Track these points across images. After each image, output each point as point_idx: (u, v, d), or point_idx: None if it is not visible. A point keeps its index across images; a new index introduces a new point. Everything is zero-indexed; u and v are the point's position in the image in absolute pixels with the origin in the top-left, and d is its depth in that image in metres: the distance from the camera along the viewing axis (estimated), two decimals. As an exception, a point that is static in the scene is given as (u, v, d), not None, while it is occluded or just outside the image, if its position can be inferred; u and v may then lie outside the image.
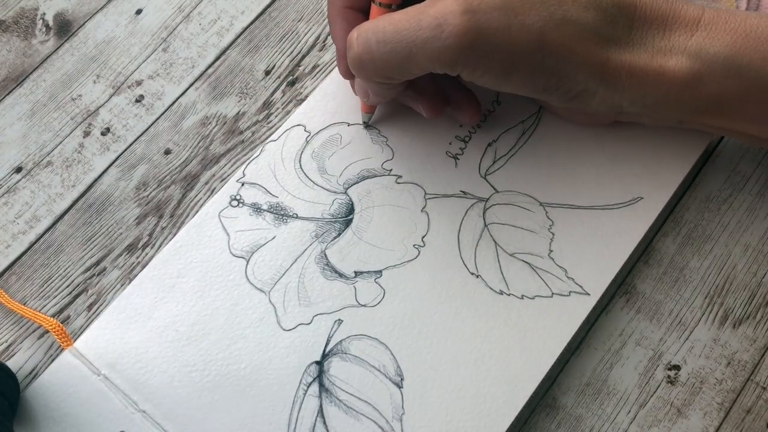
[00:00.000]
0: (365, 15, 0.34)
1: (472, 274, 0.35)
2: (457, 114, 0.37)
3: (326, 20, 0.42)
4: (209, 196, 0.38)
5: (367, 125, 0.38)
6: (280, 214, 0.37)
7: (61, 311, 0.37)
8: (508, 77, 0.31)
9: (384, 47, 0.30)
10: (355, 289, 0.35)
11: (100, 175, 0.40)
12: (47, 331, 0.36)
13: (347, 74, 0.35)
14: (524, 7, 0.29)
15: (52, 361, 0.35)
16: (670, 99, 0.31)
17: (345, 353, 0.34)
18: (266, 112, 0.41)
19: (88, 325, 0.36)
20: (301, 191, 0.37)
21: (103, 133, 0.41)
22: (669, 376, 0.34)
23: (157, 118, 0.41)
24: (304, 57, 0.42)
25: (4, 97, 0.42)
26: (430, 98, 0.36)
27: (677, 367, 0.34)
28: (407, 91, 0.36)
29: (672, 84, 0.30)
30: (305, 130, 0.39)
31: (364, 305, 0.35)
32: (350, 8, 0.34)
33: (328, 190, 0.37)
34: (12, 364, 0.35)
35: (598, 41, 0.30)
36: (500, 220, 0.36)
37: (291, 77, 0.41)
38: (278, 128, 0.39)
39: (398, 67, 0.31)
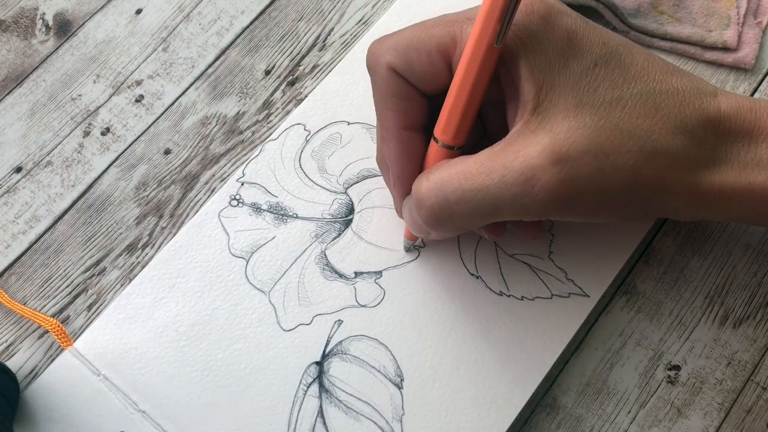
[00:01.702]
0: (421, 134, 0.32)
1: (472, 275, 0.35)
2: (520, 233, 0.34)
3: (326, 20, 0.42)
4: (209, 196, 0.38)
5: (408, 250, 0.36)
6: (280, 214, 0.37)
7: (61, 311, 0.37)
8: (599, 215, 0.29)
9: (465, 206, 0.28)
10: (355, 289, 0.35)
11: (100, 175, 0.40)
12: (47, 331, 0.36)
13: (403, 197, 0.33)
14: (614, 145, 0.27)
15: (52, 361, 0.35)
16: (760, 212, 0.30)
17: (345, 354, 0.34)
18: (266, 111, 0.40)
19: (88, 325, 0.36)
20: (301, 191, 0.37)
21: (103, 133, 0.41)
22: (669, 376, 0.34)
23: (157, 118, 0.41)
24: (304, 57, 0.42)
25: (3, 97, 0.42)
26: (493, 224, 0.33)
27: (677, 367, 0.34)
28: None
29: (761, 199, 0.29)
30: (305, 129, 0.39)
31: (364, 306, 0.35)
32: (405, 129, 0.31)
33: (328, 189, 0.37)
34: (12, 364, 0.35)
35: (688, 167, 0.29)
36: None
37: (291, 77, 0.41)
38: (278, 128, 0.39)
39: (479, 221, 0.29)
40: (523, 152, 0.27)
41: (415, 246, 0.36)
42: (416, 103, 0.31)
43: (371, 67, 0.31)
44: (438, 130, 0.30)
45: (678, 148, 0.28)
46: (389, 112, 0.31)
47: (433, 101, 0.31)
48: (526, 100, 0.28)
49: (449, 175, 0.29)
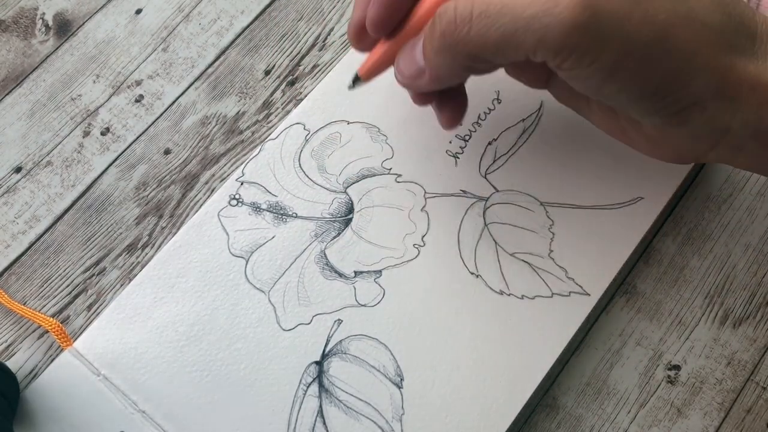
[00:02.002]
0: None
1: (472, 273, 0.35)
2: (440, 114, 0.33)
3: (326, 20, 0.42)
4: (209, 196, 0.38)
5: (352, 89, 0.33)
6: (280, 213, 0.37)
7: (60, 311, 0.37)
8: (617, 72, 0.27)
9: (485, 20, 0.26)
10: (355, 288, 0.35)
11: (100, 175, 0.40)
12: (47, 331, 0.36)
13: (357, 37, 0.31)
14: None
15: (52, 361, 0.35)
16: None
17: (345, 353, 0.34)
18: (266, 111, 0.40)
19: (87, 325, 0.36)
20: (301, 190, 0.37)
21: (102, 133, 0.41)
22: (669, 376, 0.34)
23: (157, 118, 0.41)
24: (303, 57, 0.42)
25: (3, 97, 0.42)
26: (452, 107, 0.32)
27: (677, 367, 0.34)
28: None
29: None
30: (304, 129, 0.39)
31: (364, 305, 0.35)
32: None
33: (327, 189, 0.37)
34: (12, 364, 0.35)
35: (722, 45, 0.27)
36: (500, 219, 0.36)
37: (291, 77, 0.41)
38: (278, 128, 0.39)
39: (495, 45, 0.27)
40: None
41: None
42: None
43: None
44: None
45: (714, 22, 0.27)
46: None
47: None
48: None
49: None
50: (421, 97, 0.33)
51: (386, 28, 0.31)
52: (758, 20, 0.28)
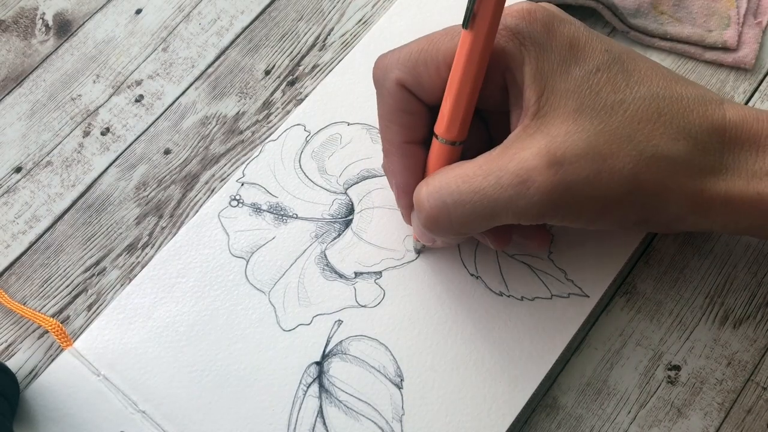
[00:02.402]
0: (423, 148, 0.32)
1: (472, 275, 0.35)
2: (526, 242, 0.34)
3: (326, 20, 0.42)
4: (209, 196, 0.38)
5: (419, 252, 0.36)
6: (280, 214, 0.37)
7: (60, 311, 0.37)
8: (597, 221, 0.29)
9: (462, 208, 0.28)
10: (355, 289, 0.35)
11: (100, 175, 0.40)
12: (47, 331, 0.36)
13: (409, 209, 0.33)
14: (612, 149, 0.27)
15: (52, 361, 0.35)
16: (766, 222, 0.29)
17: (345, 354, 0.34)
18: (266, 111, 0.40)
19: (87, 325, 0.36)
20: (301, 191, 0.37)
21: (102, 133, 0.41)
22: (669, 376, 0.34)
23: (157, 118, 0.41)
24: (303, 57, 0.42)
25: (3, 97, 0.42)
26: (496, 231, 0.32)
27: (677, 367, 0.34)
28: None
29: None
30: (305, 130, 0.39)
31: (364, 306, 0.35)
32: (409, 143, 0.32)
33: (327, 190, 0.37)
34: (12, 364, 0.35)
35: (691, 173, 0.28)
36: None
37: (291, 77, 0.41)
38: (278, 128, 0.39)
39: (478, 225, 0.29)
40: (519, 155, 0.27)
41: (418, 249, 0.36)
42: (420, 117, 0.31)
43: (378, 82, 0.31)
44: (439, 128, 0.30)
45: (680, 153, 0.28)
46: (394, 127, 0.31)
47: (435, 114, 0.31)
48: (528, 105, 0.28)
49: (447, 179, 0.29)
50: (499, 245, 0.33)
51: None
52: (726, 125, 0.29)
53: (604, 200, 0.28)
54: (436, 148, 0.31)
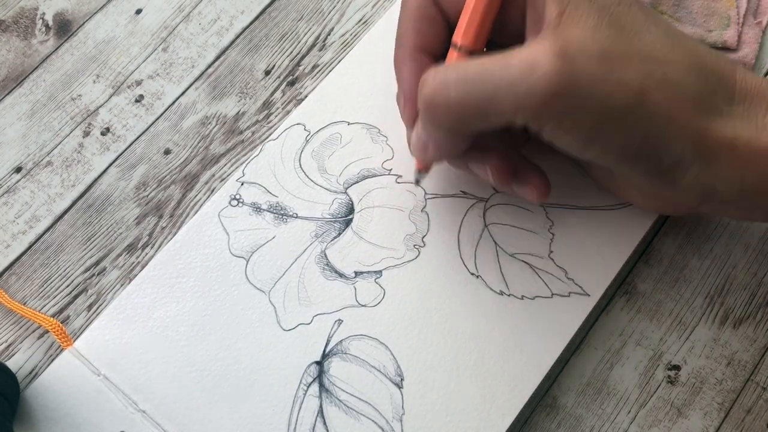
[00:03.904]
0: (435, 61, 0.32)
1: (472, 274, 0.35)
2: (524, 190, 0.32)
3: (326, 20, 0.42)
4: (209, 196, 0.38)
5: (418, 183, 0.36)
6: (280, 213, 0.37)
7: (60, 311, 0.37)
8: (596, 136, 0.27)
9: (463, 86, 0.27)
10: (355, 289, 0.35)
11: (100, 175, 0.40)
12: (47, 331, 0.36)
13: (412, 119, 0.32)
14: (623, 60, 0.26)
15: (52, 361, 0.35)
16: None
17: (345, 353, 0.34)
18: (266, 111, 0.40)
19: (87, 325, 0.36)
20: (301, 191, 0.37)
21: (102, 133, 0.41)
22: (669, 376, 0.34)
23: (157, 118, 0.41)
24: (304, 57, 0.42)
25: (3, 97, 0.42)
26: (499, 161, 0.31)
27: (677, 367, 0.34)
28: (472, 152, 0.32)
29: None
30: (305, 129, 0.39)
31: (364, 305, 0.35)
32: (422, 51, 0.31)
33: (328, 189, 0.37)
34: (12, 364, 0.35)
35: (699, 109, 0.27)
36: (500, 220, 0.36)
37: (291, 77, 0.41)
38: (278, 128, 0.39)
39: (475, 110, 0.27)
40: (531, 47, 0.27)
41: (417, 178, 0.35)
42: (439, 27, 0.31)
43: None
44: (457, 35, 0.30)
45: (689, 85, 0.27)
46: (412, 32, 0.31)
47: (453, 32, 0.31)
48: (549, 20, 0.27)
49: (456, 66, 0.28)
50: (501, 184, 0.32)
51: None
52: (737, 78, 0.28)
53: (607, 110, 0.27)
54: (453, 57, 0.31)
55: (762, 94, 0.28)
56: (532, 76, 0.26)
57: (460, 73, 0.27)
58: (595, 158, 0.29)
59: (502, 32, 0.30)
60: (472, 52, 0.30)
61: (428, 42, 0.31)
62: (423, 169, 0.34)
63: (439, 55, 0.32)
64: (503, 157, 0.32)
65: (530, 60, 0.26)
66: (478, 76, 0.27)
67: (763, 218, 0.31)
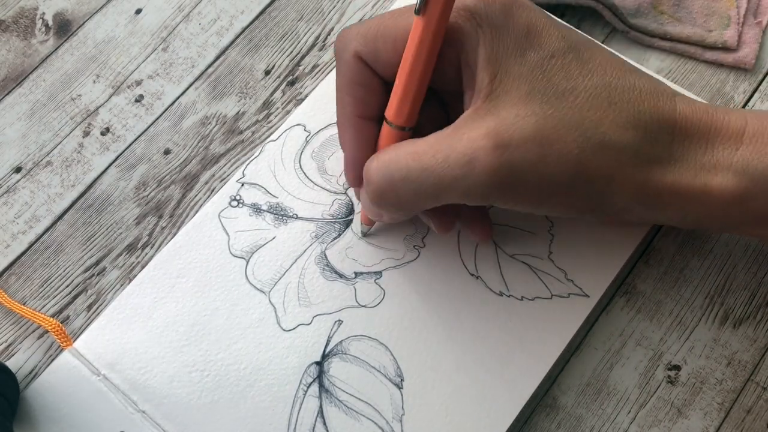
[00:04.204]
0: (376, 124, 0.32)
1: (472, 275, 0.35)
2: (468, 232, 0.34)
3: (326, 20, 0.42)
4: (209, 196, 0.38)
5: (365, 235, 0.36)
6: (280, 214, 0.37)
7: (60, 311, 0.37)
8: (541, 204, 0.29)
9: (409, 185, 0.28)
10: (355, 289, 0.35)
11: (100, 175, 0.40)
12: (47, 331, 0.36)
13: (356, 182, 0.33)
14: (559, 134, 0.27)
15: (52, 361, 0.35)
16: (714, 215, 0.29)
17: (345, 354, 0.34)
18: (266, 111, 0.40)
19: (87, 325, 0.36)
20: (301, 191, 0.37)
21: (102, 133, 0.40)
22: (669, 376, 0.34)
23: (157, 118, 0.41)
24: (304, 57, 0.42)
25: (3, 97, 0.42)
26: (442, 214, 0.33)
27: (677, 367, 0.34)
28: None
29: (717, 202, 0.28)
30: (305, 130, 0.39)
31: (364, 306, 0.35)
32: (361, 116, 0.32)
33: (328, 190, 0.37)
34: (12, 364, 0.35)
35: (638, 163, 0.28)
36: (500, 221, 0.36)
37: (291, 77, 0.41)
38: (278, 128, 0.39)
39: (424, 203, 0.29)
40: (468, 135, 0.28)
41: (364, 231, 0.36)
42: (376, 92, 0.32)
43: (338, 53, 0.32)
44: (389, 112, 0.31)
45: (628, 142, 0.28)
46: (349, 99, 0.32)
47: (390, 92, 0.32)
48: (481, 87, 0.28)
49: (397, 155, 0.29)
50: (442, 229, 0.34)
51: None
52: (677, 117, 0.29)
53: (549, 185, 0.28)
54: (386, 131, 0.31)
55: (702, 130, 0.29)
56: (473, 171, 0.27)
57: (403, 172, 0.29)
58: (546, 214, 0.30)
59: (441, 81, 0.31)
60: (404, 128, 0.31)
61: (366, 107, 0.32)
62: (369, 224, 0.36)
63: (378, 116, 0.32)
64: (446, 209, 0.33)
65: (469, 154, 0.27)
66: (422, 174, 0.28)
67: (719, 232, 0.33)
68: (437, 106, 0.33)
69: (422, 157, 0.28)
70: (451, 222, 0.33)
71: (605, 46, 0.31)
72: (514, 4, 0.29)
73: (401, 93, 0.30)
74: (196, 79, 0.41)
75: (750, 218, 0.29)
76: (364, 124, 0.32)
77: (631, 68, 0.30)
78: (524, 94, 0.28)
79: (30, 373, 0.35)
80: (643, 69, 0.38)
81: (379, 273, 0.36)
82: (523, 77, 0.28)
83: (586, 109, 0.28)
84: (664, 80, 0.38)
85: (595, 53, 0.29)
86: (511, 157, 0.27)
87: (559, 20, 0.30)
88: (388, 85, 0.31)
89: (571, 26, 0.38)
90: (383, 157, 0.30)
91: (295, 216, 0.37)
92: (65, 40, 0.43)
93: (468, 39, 0.29)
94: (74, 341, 0.35)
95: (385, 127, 0.31)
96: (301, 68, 0.41)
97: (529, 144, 0.27)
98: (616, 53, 0.38)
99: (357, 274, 0.36)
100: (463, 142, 0.27)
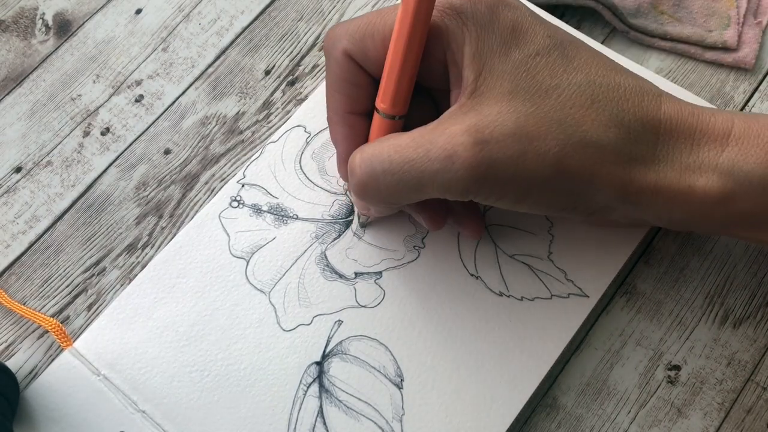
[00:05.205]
0: (367, 119, 0.33)
1: (472, 275, 0.35)
2: (459, 228, 0.35)
3: (326, 20, 0.42)
4: (209, 196, 0.38)
5: (364, 226, 0.36)
6: (281, 215, 0.37)
7: (60, 311, 0.37)
8: (522, 200, 0.29)
9: (391, 177, 0.29)
10: (355, 290, 0.35)
11: (100, 175, 0.40)
12: (47, 331, 0.36)
13: (347, 178, 0.33)
14: (540, 131, 0.27)
15: (52, 361, 0.35)
16: (699, 216, 0.29)
17: (345, 354, 0.34)
18: (266, 111, 0.40)
19: (87, 325, 0.36)
20: (302, 192, 0.37)
21: (102, 133, 0.40)
22: (669, 376, 0.34)
23: (157, 118, 0.41)
24: (304, 57, 0.42)
25: (3, 97, 0.42)
26: (432, 210, 0.33)
27: (677, 367, 0.34)
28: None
29: (702, 203, 0.28)
30: (305, 131, 0.39)
31: (364, 306, 0.35)
32: (352, 113, 0.32)
33: (328, 191, 0.37)
34: (12, 364, 0.35)
35: (620, 161, 0.28)
36: (500, 221, 0.36)
37: (291, 77, 0.41)
38: (278, 128, 0.39)
39: (406, 195, 0.30)
40: (449, 129, 0.28)
41: (362, 222, 0.36)
42: (365, 88, 0.32)
43: (327, 51, 0.32)
44: (378, 100, 0.31)
45: (609, 140, 0.28)
46: (339, 96, 0.32)
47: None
48: (466, 84, 0.29)
49: (380, 148, 0.29)
50: (434, 229, 0.34)
51: None
52: (662, 117, 0.29)
53: (528, 181, 0.28)
54: (377, 121, 0.31)
55: (688, 131, 0.29)
56: (452, 166, 0.27)
57: (385, 164, 0.29)
58: (527, 212, 0.30)
59: (430, 78, 0.31)
60: (394, 117, 0.31)
61: (356, 104, 0.32)
62: (368, 214, 0.36)
63: (368, 112, 0.32)
64: (437, 205, 0.33)
65: (449, 149, 0.27)
66: (404, 166, 0.28)
67: (704, 234, 0.33)
68: (428, 105, 0.33)
69: (404, 150, 0.28)
70: (442, 218, 0.34)
71: (590, 45, 0.31)
72: (500, 3, 0.29)
73: (389, 81, 0.30)
74: (196, 79, 0.41)
75: (735, 220, 0.29)
76: (354, 119, 0.33)
77: (617, 67, 0.30)
78: (507, 92, 0.28)
79: (30, 373, 0.35)
80: (643, 69, 0.38)
81: (379, 273, 0.36)
82: (507, 75, 0.28)
83: (569, 107, 0.28)
84: (664, 80, 0.38)
85: (580, 51, 0.29)
86: (491, 153, 0.27)
87: (547, 19, 0.30)
88: (377, 82, 0.32)
89: (564, 25, 0.38)
90: (367, 149, 0.30)
91: (295, 216, 0.37)
92: (65, 40, 0.43)
93: (454, 37, 0.29)
94: (74, 341, 0.35)
95: (376, 119, 0.32)
96: (301, 68, 0.41)
97: (508, 140, 0.27)
98: (615, 53, 0.38)
99: (357, 275, 0.36)
100: (444, 136, 0.28)
